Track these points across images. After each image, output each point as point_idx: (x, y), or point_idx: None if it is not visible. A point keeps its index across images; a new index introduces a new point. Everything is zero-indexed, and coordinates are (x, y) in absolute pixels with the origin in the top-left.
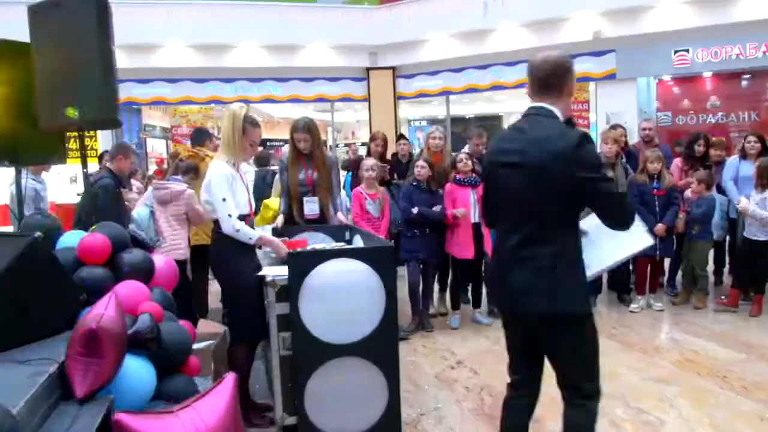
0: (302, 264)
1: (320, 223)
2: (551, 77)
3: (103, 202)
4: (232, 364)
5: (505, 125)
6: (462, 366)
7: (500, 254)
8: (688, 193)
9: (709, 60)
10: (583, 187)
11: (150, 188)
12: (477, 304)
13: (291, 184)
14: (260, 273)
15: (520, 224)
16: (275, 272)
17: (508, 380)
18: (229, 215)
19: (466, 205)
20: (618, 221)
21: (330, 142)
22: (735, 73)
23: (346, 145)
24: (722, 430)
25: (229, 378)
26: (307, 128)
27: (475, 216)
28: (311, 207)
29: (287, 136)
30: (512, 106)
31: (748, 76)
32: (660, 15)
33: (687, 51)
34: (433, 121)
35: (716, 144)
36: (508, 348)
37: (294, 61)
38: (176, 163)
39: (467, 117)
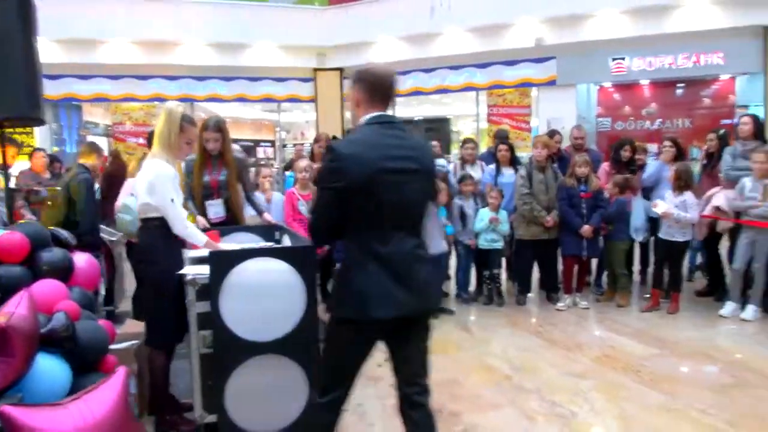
0: (223, 263)
1: (229, 225)
2: (393, 88)
3: (84, 196)
4: (153, 366)
5: (454, 128)
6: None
7: (393, 258)
8: (606, 195)
9: (644, 69)
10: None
11: (130, 179)
12: None
13: (194, 186)
14: (181, 271)
15: (415, 227)
16: (196, 271)
17: (325, 399)
18: (179, 216)
19: None
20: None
21: (277, 143)
22: (670, 81)
23: (294, 145)
24: (629, 421)
25: (121, 371)
26: (218, 127)
27: None
28: (215, 210)
29: (234, 136)
30: (459, 109)
31: (682, 85)
32: (599, 23)
33: (624, 59)
34: None
35: (642, 149)
36: (353, 360)
37: (240, 60)
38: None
39: (415, 119)
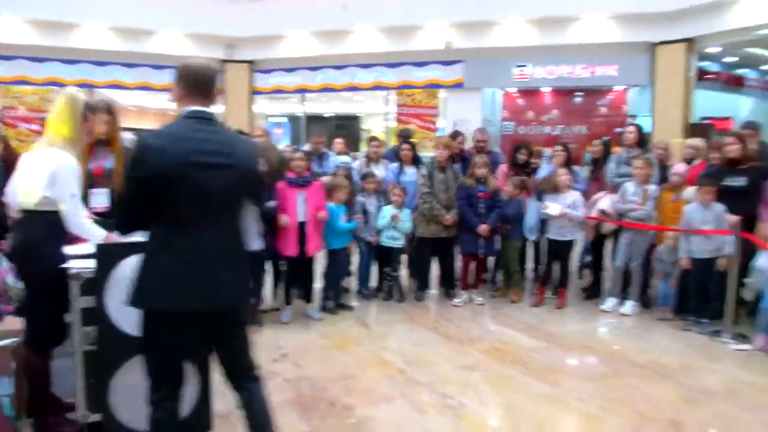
0: (110, 256)
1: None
2: (211, 83)
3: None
4: (29, 367)
5: (364, 126)
6: (286, 359)
7: (196, 253)
8: (503, 195)
9: (545, 76)
10: (255, 185)
11: None
12: (309, 299)
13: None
14: (64, 265)
15: (224, 223)
16: (81, 264)
17: (155, 396)
18: (78, 212)
19: (294, 204)
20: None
21: None
22: (569, 90)
23: None
24: (513, 410)
25: None
26: (108, 109)
27: (301, 215)
28: (99, 200)
29: (137, 126)
30: (370, 107)
31: (580, 93)
32: (505, 31)
33: (526, 66)
34: (291, 118)
35: (538, 153)
36: (166, 354)
37: (145, 46)
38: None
39: (325, 115)
